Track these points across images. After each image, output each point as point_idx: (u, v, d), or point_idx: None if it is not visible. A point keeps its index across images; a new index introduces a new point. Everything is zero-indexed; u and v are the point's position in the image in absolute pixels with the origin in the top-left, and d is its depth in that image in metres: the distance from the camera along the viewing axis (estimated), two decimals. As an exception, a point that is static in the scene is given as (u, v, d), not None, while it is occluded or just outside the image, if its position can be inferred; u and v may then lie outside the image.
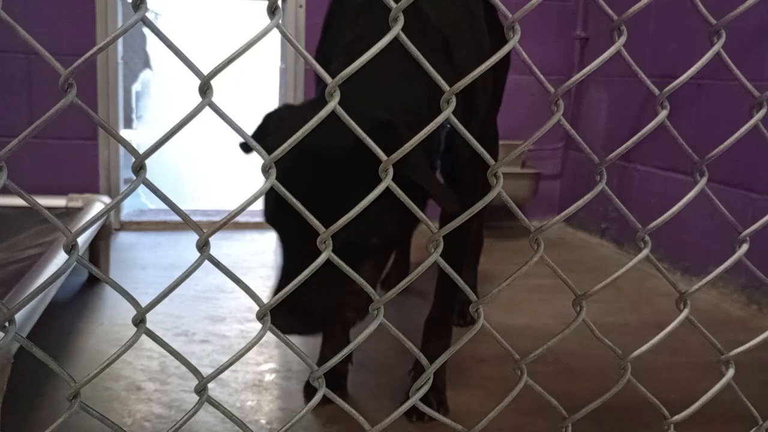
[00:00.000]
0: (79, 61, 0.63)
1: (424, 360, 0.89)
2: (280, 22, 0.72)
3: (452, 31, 1.49)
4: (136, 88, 6.20)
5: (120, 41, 3.33)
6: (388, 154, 0.79)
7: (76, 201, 2.58)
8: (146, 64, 6.38)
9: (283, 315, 1.26)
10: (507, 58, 1.98)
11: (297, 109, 1.42)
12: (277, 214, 1.28)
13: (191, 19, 6.25)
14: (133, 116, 5.97)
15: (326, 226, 1.03)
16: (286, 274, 1.28)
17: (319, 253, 0.86)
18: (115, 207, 0.61)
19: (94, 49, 0.62)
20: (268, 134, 1.29)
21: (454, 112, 0.81)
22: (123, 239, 3.21)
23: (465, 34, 1.56)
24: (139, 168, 0.68)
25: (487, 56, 0.82)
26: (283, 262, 1.30)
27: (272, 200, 1.28)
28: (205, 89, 0.71)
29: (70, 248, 0.67)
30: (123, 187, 3.38)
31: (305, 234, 1.21)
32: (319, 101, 1.42)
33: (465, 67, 1.37)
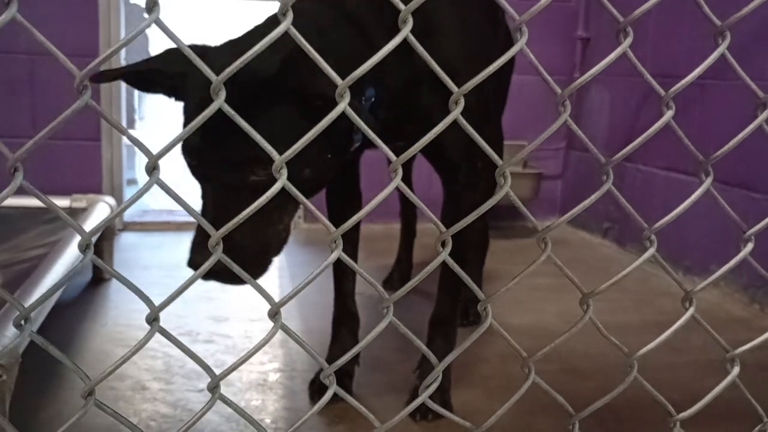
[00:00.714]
0: (94, 62, 0.64)
1: (433, 359, 0.90)
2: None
3: (423, 21, 1.46)
4: (137, 88, 6.18)
5: (123, 42, 3.33)
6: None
7: (80, 201, 2.59)
8: (148, 64, 6.36)
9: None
10: (511, 59, 1.97)
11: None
12: (201, 142, 1.16)
13: (191, 19, 6.25)
14: (136, 117, 5.98)
15: (251, 153, 0.98)
16: (212, 212, 1.19)
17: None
18: (131, 205, 0.61)
19: (111, 49, 0.63)
20: (205, 55, 1.20)
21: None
22: (126, 239, 3.22)
23: (443, 28, 1.50)
24: (152, 168, 0.69)
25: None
26: (207, 199, 1.22)
27: (196, 125, 1.23)
28: (217, 91, 0.71)
29: (85, 247, 0.68)
30: (125, 188, 3.39)
31: (230, 165, 1.17)
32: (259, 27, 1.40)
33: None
